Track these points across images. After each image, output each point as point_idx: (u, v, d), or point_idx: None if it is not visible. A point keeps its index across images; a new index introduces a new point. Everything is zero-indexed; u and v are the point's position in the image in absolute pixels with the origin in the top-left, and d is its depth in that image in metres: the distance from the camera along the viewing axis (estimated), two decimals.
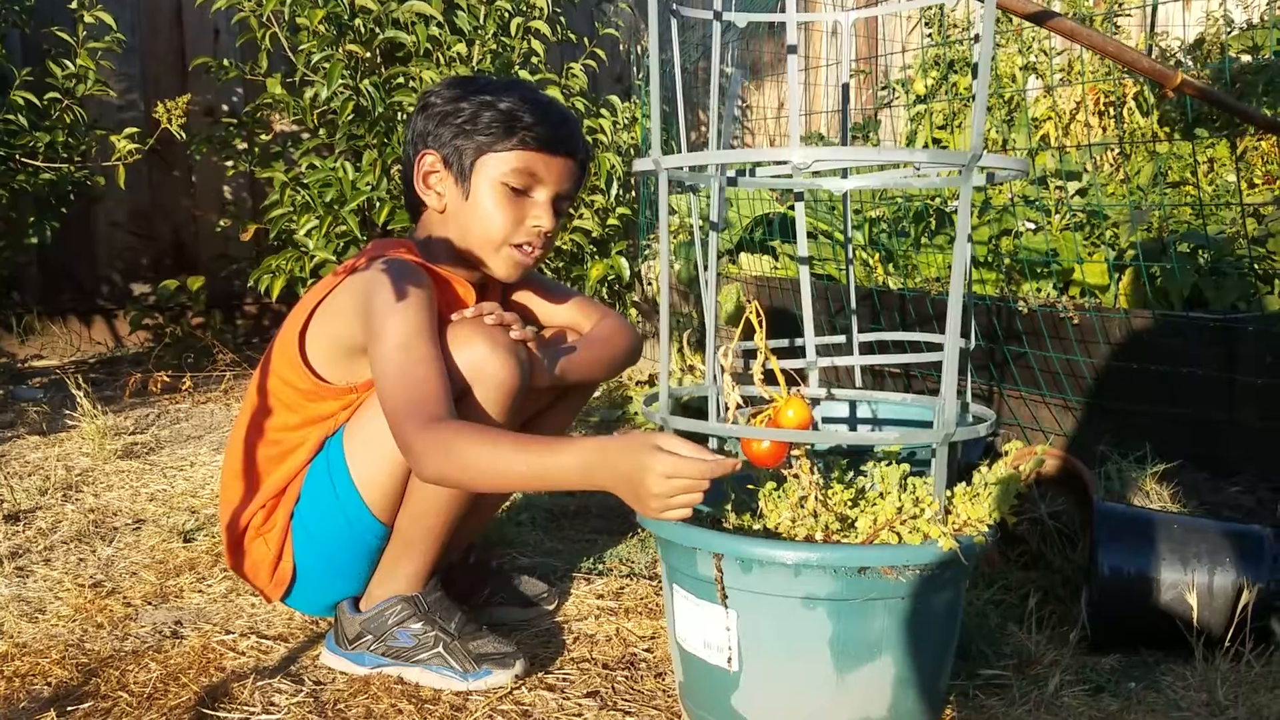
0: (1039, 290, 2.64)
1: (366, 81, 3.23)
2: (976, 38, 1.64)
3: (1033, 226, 2.87)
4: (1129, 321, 2.23)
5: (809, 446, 1.27)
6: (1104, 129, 4.20)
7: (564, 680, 1.43)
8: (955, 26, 4.73)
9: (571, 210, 3.57)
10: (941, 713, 1.30)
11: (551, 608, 1.67)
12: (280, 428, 1.49)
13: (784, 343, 1.66)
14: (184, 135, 3.43)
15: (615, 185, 3.71)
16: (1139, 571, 1.43)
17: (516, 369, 1.38)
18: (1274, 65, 3.57)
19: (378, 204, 3.23)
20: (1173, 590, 1.42)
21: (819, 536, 1.22)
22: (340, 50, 3.22)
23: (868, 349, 2.41)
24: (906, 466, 1.30)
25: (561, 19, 3.78)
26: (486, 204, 1.49)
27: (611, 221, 3.77)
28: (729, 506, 1.28)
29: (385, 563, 1.48)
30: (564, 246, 3.68)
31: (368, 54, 3.28)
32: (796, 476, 1.25)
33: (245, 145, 3.76)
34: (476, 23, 3.37)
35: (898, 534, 1.18)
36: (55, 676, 1.43)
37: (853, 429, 1.72)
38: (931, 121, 4.21)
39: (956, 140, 4.04)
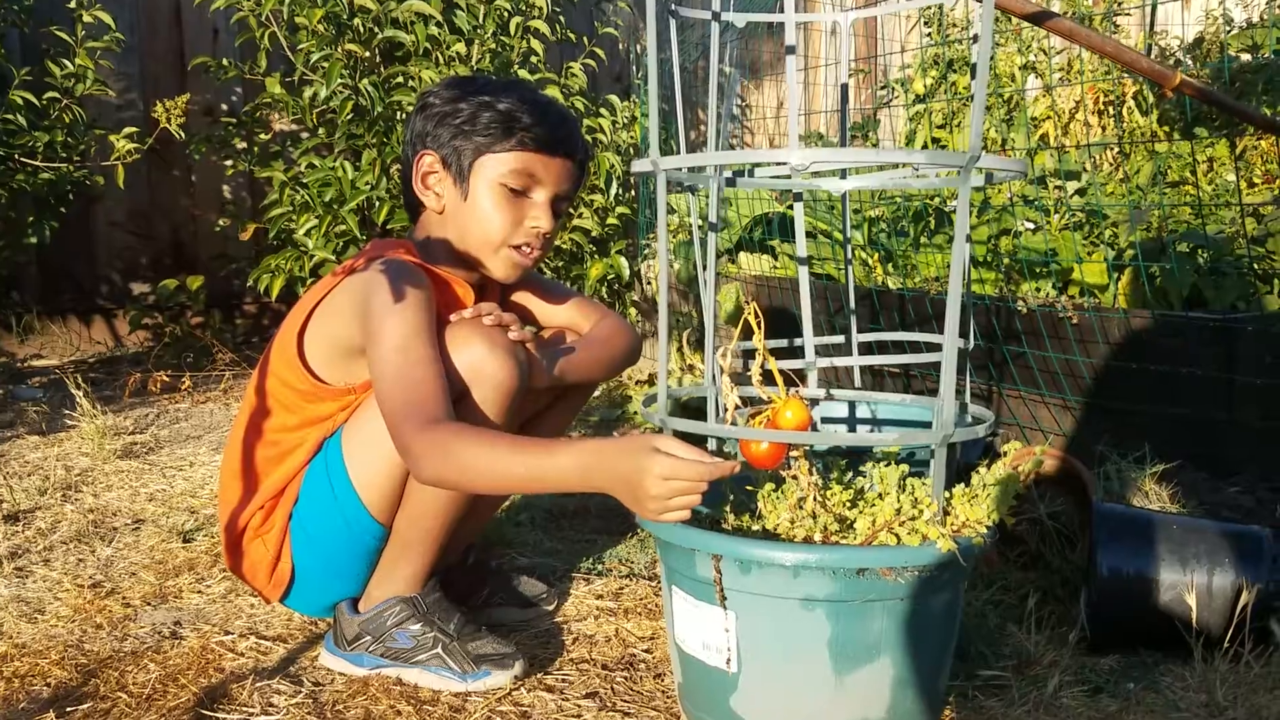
0: (1038, 290, 2.64)
1: (366, 81, 3.22)
2: (975, 37, 1.64)
3: (1032, 226, 2.87)
4: (1128, 321, 2.23)
5: (808, 447, 1.27)
6: (1103, 128, 4.20)
7: (563, 681, 1.43)
8: (954, 26, 4.73)
9: (571, 209, 3.56)
10: (940, 713, 1.30)
11: (551, 608, 1.67)
12: (278, 428, 1.49)
13: (783, 343, 1.66)
14: (183, 135, 3.43)
15: (615, 184, 3.71)
16: (1138, 572, 1.43)
17: (515, 370, 1.38)
18: (1273, 64, 3.56)
19: (377, 203, 3.23)
20: (1172, 591, 1.42)
21: (818, 538, 1.22)
22: (339, 49, 3.22)
23: (867, 349, 2.42)
24: (905, 467, 1.30)
25: (561, 18, 3.78)
26: (485, 205, 1.49)
27: (611, 221, 3.76)
28: (728, 507, 1.28)
29: (384, 564, 1.48)
30: (563, 246, 3.68)
31: (367, 53, 3.28)
32: (795, 478, 1.25)
33: (244, 145, 3.76)
34: (476, 22, 3.36)
35: (896, 535, 1.18)
36: (54, 677, 1.43)
37: (852, 429, 1.72)
38: (930, 121, 4.21)
39: (956, 139, 4.04)
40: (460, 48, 3.33)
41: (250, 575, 1.53)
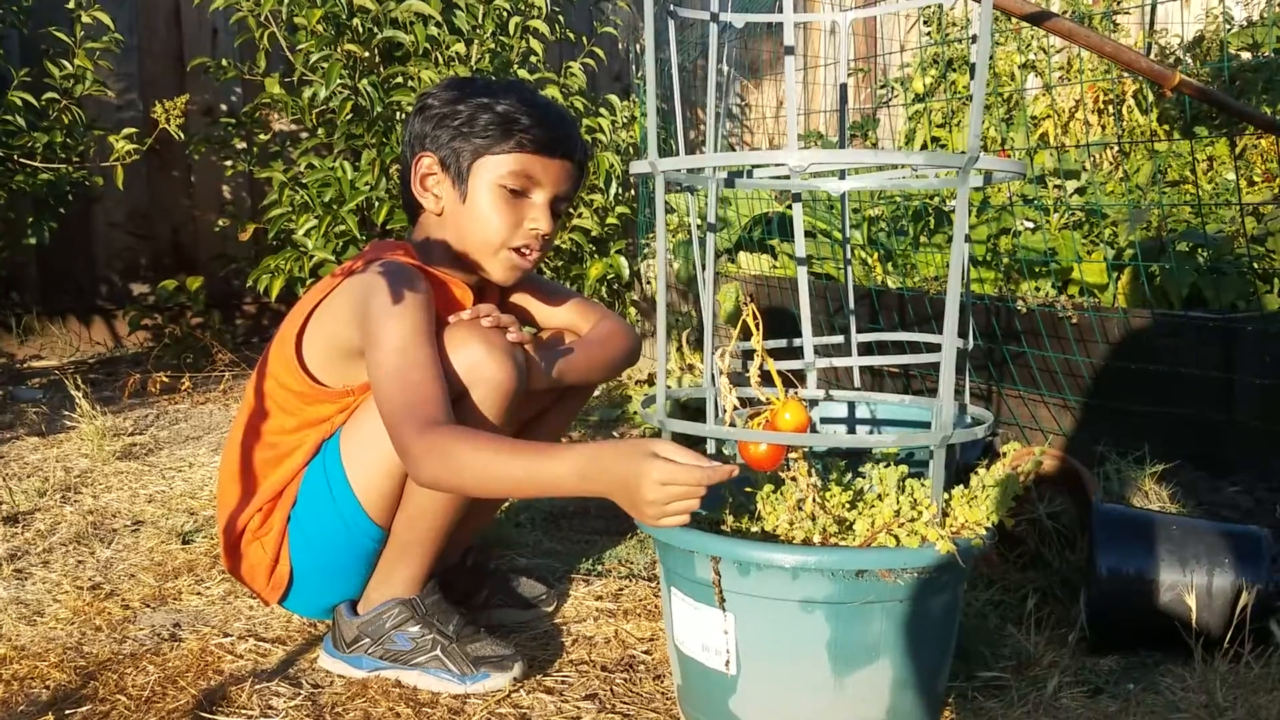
0: (1038, 290, 2.64)
1: (365, 81, 3.22)
2: (974, 37, 1.64)
3: (1031, 225, 2.86)
4: (1128, 321, 2.23)
5: (807, 449, 1.27)
6: (1103, 127, 4.20)
7: (562, 683, 1.43)
8: (954, 25, 4.72)
9: (570, 209, 3.56)
10: (940, 715, 1.30)
11: (550, 609, 1.67)
12: (277, 430, 1.49)
13: (782, 343, 1.66)
14: (182, 135, 3.43)
15: (614, 184, 3.71)
16: (1138, 573, 1.43)
17: (513, 371, 1.38)
18: (1274, 63, 3.56)
19: (376, 204, 3.23)
20: (1171, 591, 1.42)
21: (817, 539, 1.22)
22: (338, 50, 3.22)
23: (866, 349, 2.41)
24: (904, 468, 1.30)
25: (560, 18, 3.78)
26: (484, 207, 1.49)
27: (610, 220, 3.76)
28: (727, 509, 1.28)
29: (382, 566, 1.48)
30: (563, 245, 3.68)
31: (366, 53, 3.28)
32: (794, 479, 1.24)
33: (244, 145, 3.76)
34: (475, 22, 3.36)
35: (895, 537, 1.18)
36: (53, 679, 1.43)
37: (851, 430, 1.72)
38: (930, 120, 4.21)
39: (955, 139, 4.04)
40: (459, 48, 3.32)
41: (249, 577, 1.53)
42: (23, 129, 3.32)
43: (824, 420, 1.73)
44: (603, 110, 3.74)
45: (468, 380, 1.36)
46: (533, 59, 3.57)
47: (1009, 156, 3.50)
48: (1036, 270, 2.68)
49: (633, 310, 3.94)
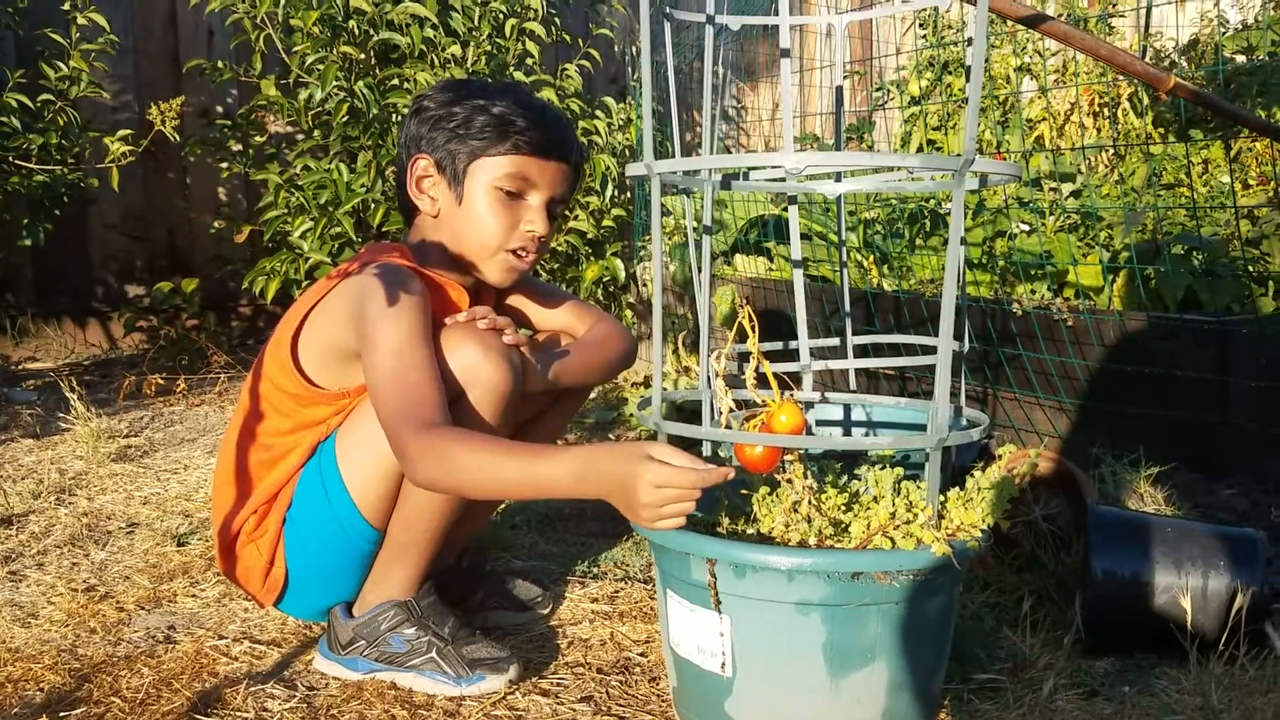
0: (1033, 292, 2.64)
1: (361, 83, 3.22)
2: (970, 40, 1.64)
3: (1027, 228, 2.87)
4: (1123, 323, 2.23)
5: (802, 451, 1.27)
6: (1098, 130, 4.21)
7: (558, 685, 1.43)
8: (950, 28, 4.73)
9: (566, 212, 3.56)
10: (936, 717, 1.30)
11: (546, 611, 1.67)
12: (272, 432, 1.48)
13: (778, 345, 1.66)
14: (178, 137, 3.43)
15: (610, 186, 3.71)
16: (1133, 575, 1.43)
17: (510, 373, 1.38)
18: (1268, 66, 3.57)
19: (373, 206, 3.23)
20: (1167, 594, 1.42)
21: (812, 542, 1.22)
22: (334, 52, 3.22)
23: (862, 351, 2.42)
24: (900, 470, 1.30)
25: (556, 20, 3.78)
26: (480, 209, 1.49)
27: (607, 223, 3.77)
28: (722, 511, 1.28)
29: (378, 568, 1.47)
30: (559, 248, 3.68)
31: (362, 55, 3.28)
32: (790, 481, 1.24)
33: (240, 147, 3.76)
34: (471, 24, 3.36)
35: (891, 539, 1.18)
36: (47, 682, 1.42)
37: (847, 432, 1.72)
38: (926, 123, 4.22)
39: (951, 141, 4.04)
40: (455, 50, 3.33)
41: (244, 579, 1.53)
42: (18, 130, 3.32)
43: (820, 422, 1.73)
44: (599, 112, 3.74)
45: (464, 382, 1.36)
46: (529, 61, 3.58)
47: (1004, 159, 3.51)
48: (1032, 273, 2.69)
49: (629, 313, 3.94)
